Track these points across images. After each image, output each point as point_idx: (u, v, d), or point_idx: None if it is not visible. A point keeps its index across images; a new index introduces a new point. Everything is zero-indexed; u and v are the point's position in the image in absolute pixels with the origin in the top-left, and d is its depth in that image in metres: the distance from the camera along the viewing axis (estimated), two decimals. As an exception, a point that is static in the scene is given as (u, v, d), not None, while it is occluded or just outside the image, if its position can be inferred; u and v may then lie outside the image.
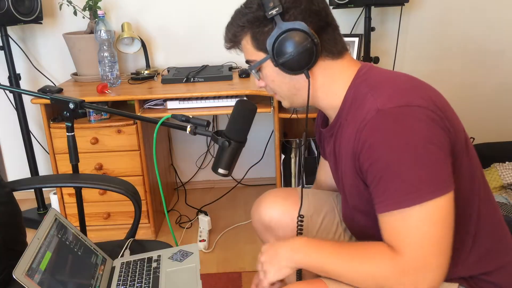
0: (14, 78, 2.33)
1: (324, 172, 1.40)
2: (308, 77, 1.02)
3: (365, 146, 0.93)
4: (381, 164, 0.91)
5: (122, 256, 1.33)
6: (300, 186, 1.28)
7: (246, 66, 2.61)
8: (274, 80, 1.07)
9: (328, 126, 1.14)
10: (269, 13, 0.97)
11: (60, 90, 2.22)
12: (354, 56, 2.33)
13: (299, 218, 1.21)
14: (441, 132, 0.92)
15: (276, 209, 1.31)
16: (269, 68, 1.04)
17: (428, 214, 0.88)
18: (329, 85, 1.05)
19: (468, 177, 1.00)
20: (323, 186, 1.45)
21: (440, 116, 0.93)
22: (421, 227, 0.88)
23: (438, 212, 0.88)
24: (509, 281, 1.06)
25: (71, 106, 1.35)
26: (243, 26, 1.03)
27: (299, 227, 1.21)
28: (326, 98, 1.07)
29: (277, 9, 0.96)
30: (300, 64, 1.00)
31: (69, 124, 1.39)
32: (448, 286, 1.04)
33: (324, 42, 1.01)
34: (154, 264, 1.23)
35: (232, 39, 1.07)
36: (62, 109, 1.36)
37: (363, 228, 1.13)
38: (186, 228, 2.42)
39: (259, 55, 1.04)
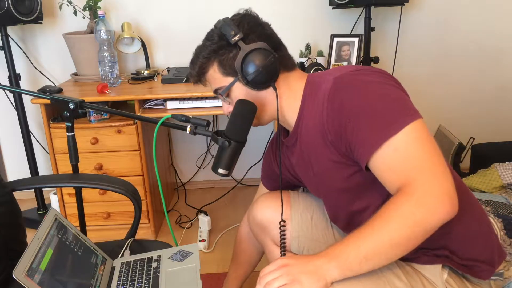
0: (14, 78, 2.34)
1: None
2: (275, 88, 1.13)
3: (335, 110, 1.02)
4: (355, 115, 0.99)
5: (122, 256, 1.33)
6: (280, 191, 1.31)
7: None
8: None
9: (289, 135, 1.22)
10: (233, 39, 1.09)
11: (60, 90, 2.22)
12: (354, 56, 2.33)
13: (281, 223, 1.27)
14: (394, 80, 1.06)
15: (268, 209, 1.37)
16: (238, 89, 1.14)
17: (413, 136, 0.95)
18: (289, 93, 1.16)
19: None
20: None
21: (387, 74, 1.07)
22: (413, 149, 0.94)
23: (421, 131, 0.96)
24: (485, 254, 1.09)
25: (71, 106, 1.35)
26: (209, 57, 1.14)
27: (281, 232, 1.27)
28: (287, 106, 1.17)
29: (239, 35, 1.09)
30: (267, 78, 1.11)
31: (69, 124, 1.39)
32: (433, 269, 1.08)
33: (280, 58, 1.13)
34: (154, 264, 1.23)
35: (199, 72, 1.17)
36: (62, 109, 1.36)
37: (351, 215, 1.16)
38: (186, 228, 2.42)
39: (227, 80, 1.14)
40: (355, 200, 1.13)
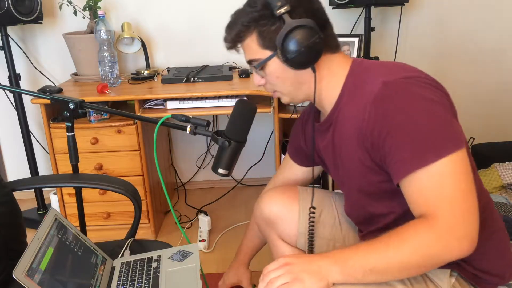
0: (14, 78, 2.33)
1: (291, 172, 1.44)
2: (314, 71, 1.06)
3: (378, 118, 0.97)
4: (397, 129, 0.94)
5: (122, 256, 1.33)
6: (312, 177, 1.31)
7: (247, 66, 2.60)
8: (279, 77, 1.09)
9: (322, 120, 1.17)
10: (278, 11, 1.00)
11: (60, 90, 2.22)
12: (354, 56, 2.33)
13: (311, 210, 1.22)
14: (444, 96, 1.01)
15: (275, 203, 1.35)
16: (275, 65, 1.07)
17: (451, 168, 0.91)
18: (330, 77, 1.09)
19: None
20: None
21: (440, 88, 1.02)
22: (447, 182, 0.91)
23: (460, 165, 0.92)
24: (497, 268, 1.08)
25: (71, 106, 1.35)
26: (248, 25, 1.05)
27: (311, 218, 1.23)
28: (326, 90, 1.11)
29: (286, 7, 1.00)
30: (308, 59, 1.03)
31: (69, 124, 1.39)
32: (440, 273, 1.07)
33: (325, 38, 1.04)
34: (154, 264, 1.23)
35: (235, 39, 1.09)
36: (62, 109, 1.36)
37: (369, 216, 1.15)
38: (186, 228, 2.42)
39: (264, 53, 1.06)
40: (377, 204, 1.11)
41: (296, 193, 1.37)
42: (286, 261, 0.99)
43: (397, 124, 0.94)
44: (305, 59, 1.02)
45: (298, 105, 2.07)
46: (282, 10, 1.00)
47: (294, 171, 1.43)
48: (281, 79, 1.10)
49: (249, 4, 1.06)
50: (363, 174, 1.07)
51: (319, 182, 2.31)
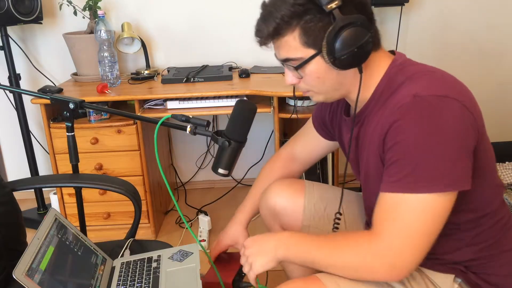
0: (14, 78, 2.34)
1: (315, 142, 1.39)
2: (361, 72, 0.97)
3: (394, 125, 0.93)
4: (403, 146, 0.91)
5: (122, 256, 1.33)
6: (343, 186, 1.25)
7: (247, 66, 2.59)
8: (320, 77, 1.00)
9: (352, 115, 1.13)
10: (328, 6, 0.90)
11: (60, 90, 2.22)
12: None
13: (336, 215, 1.18)
14: (471, 131, 0.93)
15: (282, 195, 1.35)
16: (317, 64, 0.97)
17: (427, 206, 0.89)
18: (368, 78, 1.02)
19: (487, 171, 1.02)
20: (297, 155, 1.44)
21: (472, 113, 0.95)
22: (409, 217, 0.90)
23: (433, 208, 0.90)
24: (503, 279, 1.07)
25: (71, 106, 1.35)
26: (290, 21, 0.94)
27: (335, 224, 1.20)
28: (362, 89, 1.03)
29: (337, 2, 0.90)
30: (358, 60, 0.95)
31: (69, 124, 1.39)
32: (444, 277, 1.06)
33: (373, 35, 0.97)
34: (154, 264, 1.23)
35: (273, 34, 0.97)
36: (62, 109, 1.36)
37: None
38: (186, 228, 2.42)
39: (306, 52, 0.96)
40: None
41: (303, 186, 1.36)
42: (245, 243, 1.10)
43: (403, 142, 0.91)
44: (356, 60, 0.94)
45: (298, 105, 2.07)
46: (333, 4, 0.89)
47: (319, 142, 1.37)
48: (321, 80, 1.00)
49: None
50: (378, 180, 1.04)
51: (319, 177, 2.31)
